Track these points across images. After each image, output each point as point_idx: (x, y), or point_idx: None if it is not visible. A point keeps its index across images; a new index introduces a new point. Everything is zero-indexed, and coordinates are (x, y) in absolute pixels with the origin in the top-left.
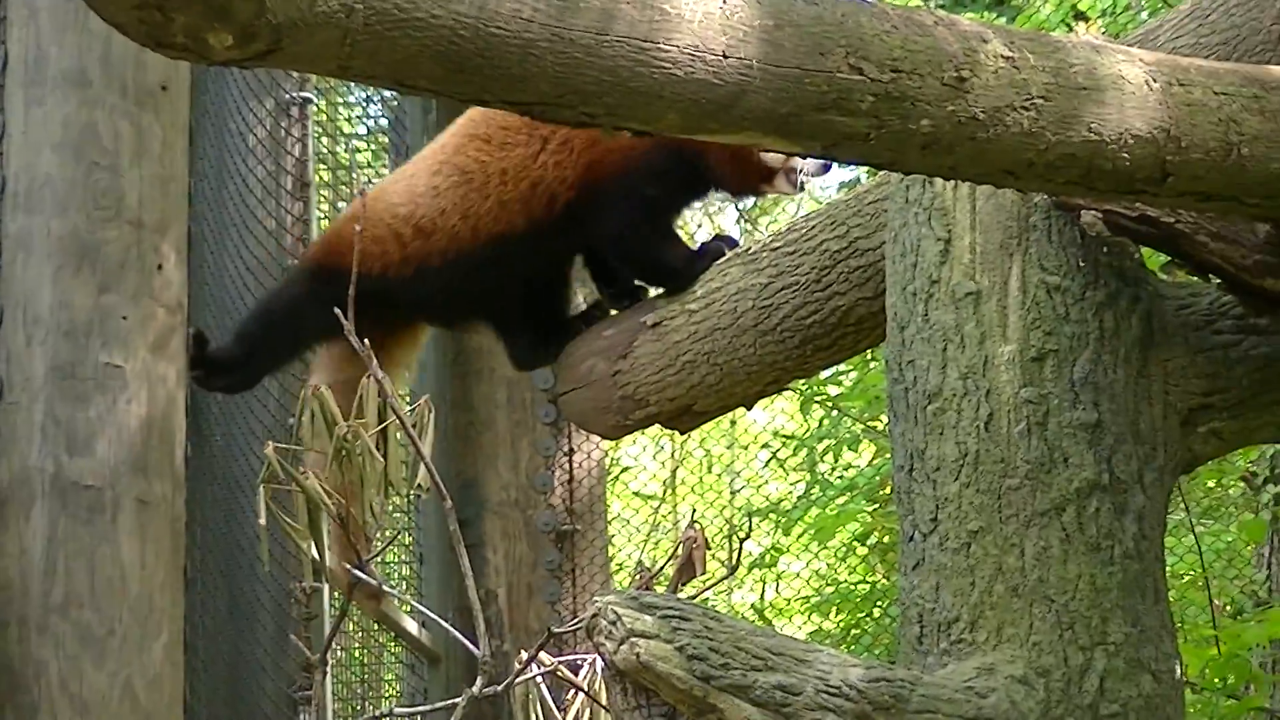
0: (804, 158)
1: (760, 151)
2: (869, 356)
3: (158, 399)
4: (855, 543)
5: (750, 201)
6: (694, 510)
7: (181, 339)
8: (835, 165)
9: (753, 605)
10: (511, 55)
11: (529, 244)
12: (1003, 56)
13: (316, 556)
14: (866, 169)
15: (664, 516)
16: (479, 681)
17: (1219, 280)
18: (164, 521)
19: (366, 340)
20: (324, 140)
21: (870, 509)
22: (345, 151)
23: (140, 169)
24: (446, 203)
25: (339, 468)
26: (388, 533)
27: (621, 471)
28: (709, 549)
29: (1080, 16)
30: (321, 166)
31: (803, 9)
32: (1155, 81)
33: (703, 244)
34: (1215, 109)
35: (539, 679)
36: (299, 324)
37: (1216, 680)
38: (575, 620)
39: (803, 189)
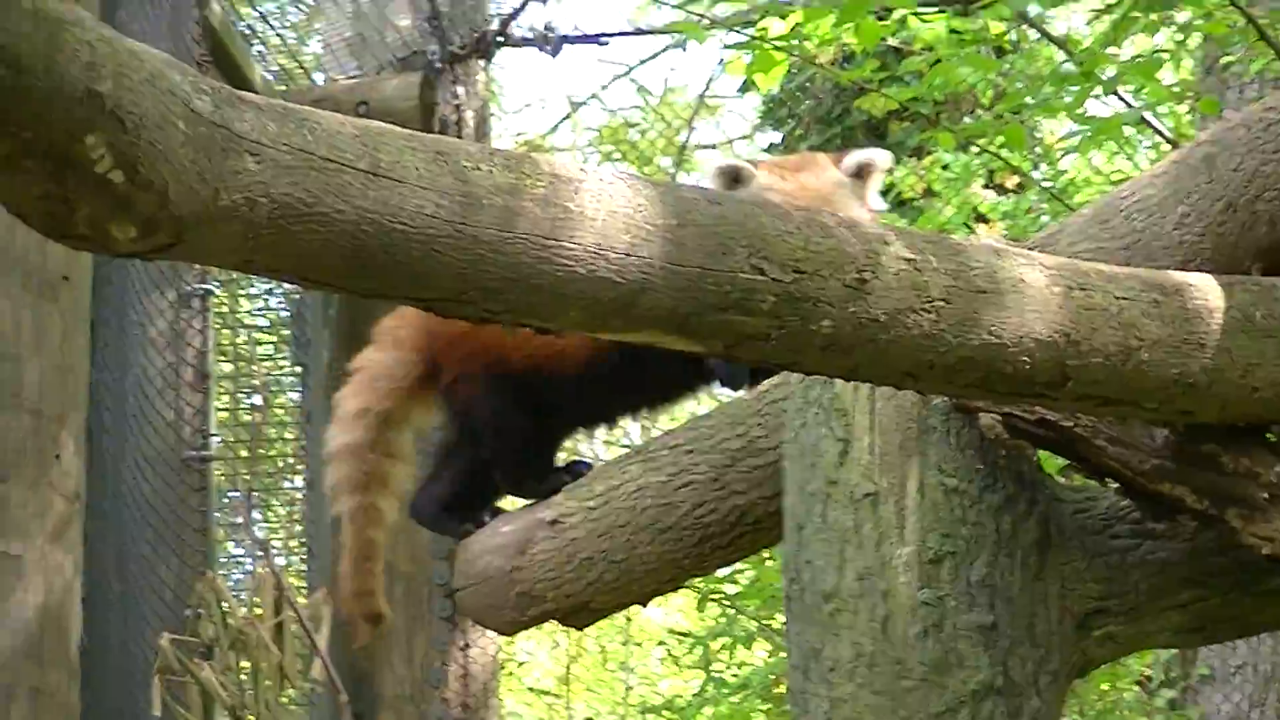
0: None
1: None
2: (766, 555)
3: (54, 588)
4: None
5: None
6: (588, 708)
7: (78, 529)
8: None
9: None
10: (415, 252)
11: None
12: (904, 259)
13: None
14: None
15: (558, 712)
16: None
17: (1116, 485)
18: (58, 712)
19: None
20: (224, 332)
21: (765, 708)
22: (245, 343)
23: (40, 358)
24: None
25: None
26: None
27: (517, 666)
28: None
29: (981, 219)
30: (221, 358)
31: (706, 208)
32: (1056, 285)
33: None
34: (1115, 314)
35: None
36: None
37: None
38: None
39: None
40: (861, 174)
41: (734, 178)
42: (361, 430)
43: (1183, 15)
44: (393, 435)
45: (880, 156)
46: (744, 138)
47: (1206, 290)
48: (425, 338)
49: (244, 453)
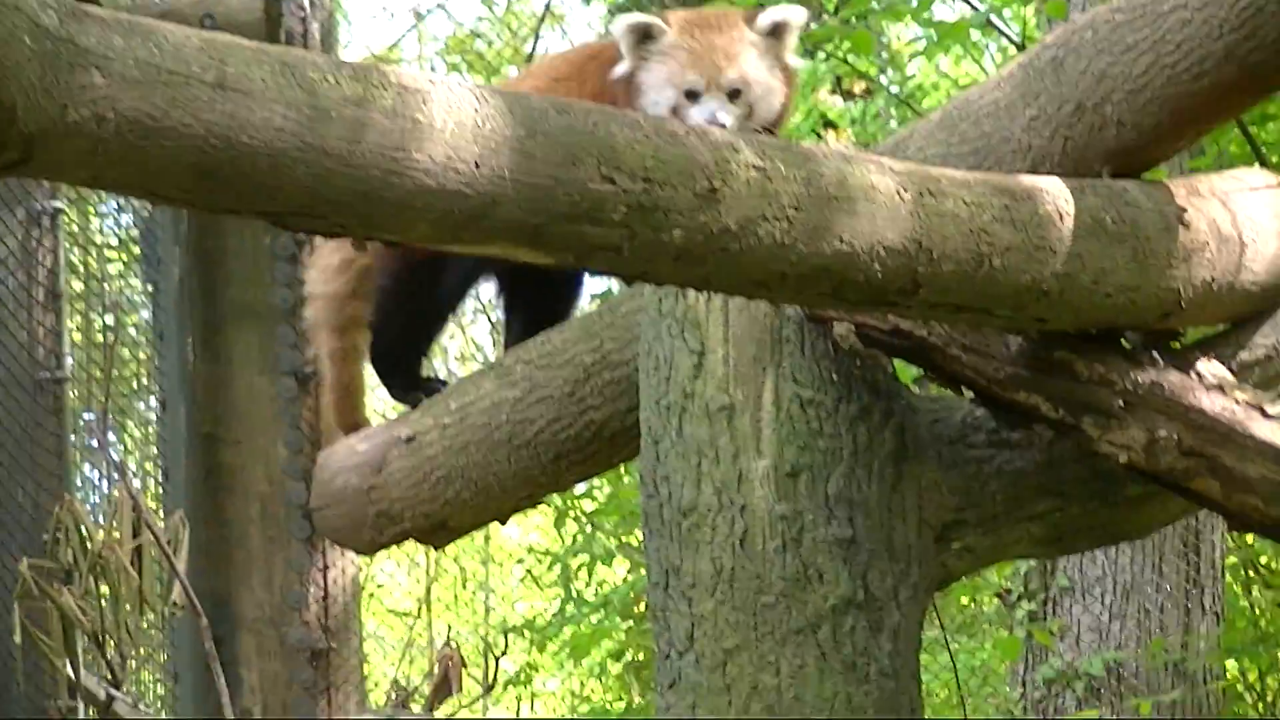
0: None
1: (640, 111)
2: (623, 471)
3: None
4: (610, 660)
5: (501, 314)
6: (449, 628)
7: None
8: (724, 119)
9: None
10: (262, 166)
11: None
12: (754, 166)
13: (72, 675)
14: None
15: (419, 634)
16: None
17: (972, 394)
18: None
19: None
20: (75, 250)
21: (625, 626)
22: (96, 262)
23: None
24: None
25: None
26: (143, 650)
27: (377, 588)
28: (464, 667)
29: (829, 125)
30: (73, 277)
31: (555, 119)
32: (906, 191)
33: None
34: (966, 219)
35: None
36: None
37: None
38: None
39: None
40: (776, 33)
41: (644, 34)
42: (343, 281)
43: None
44: (368, 284)
45: (795, 14)
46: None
47: (1057, 194)
48: None
49: (98, 373)
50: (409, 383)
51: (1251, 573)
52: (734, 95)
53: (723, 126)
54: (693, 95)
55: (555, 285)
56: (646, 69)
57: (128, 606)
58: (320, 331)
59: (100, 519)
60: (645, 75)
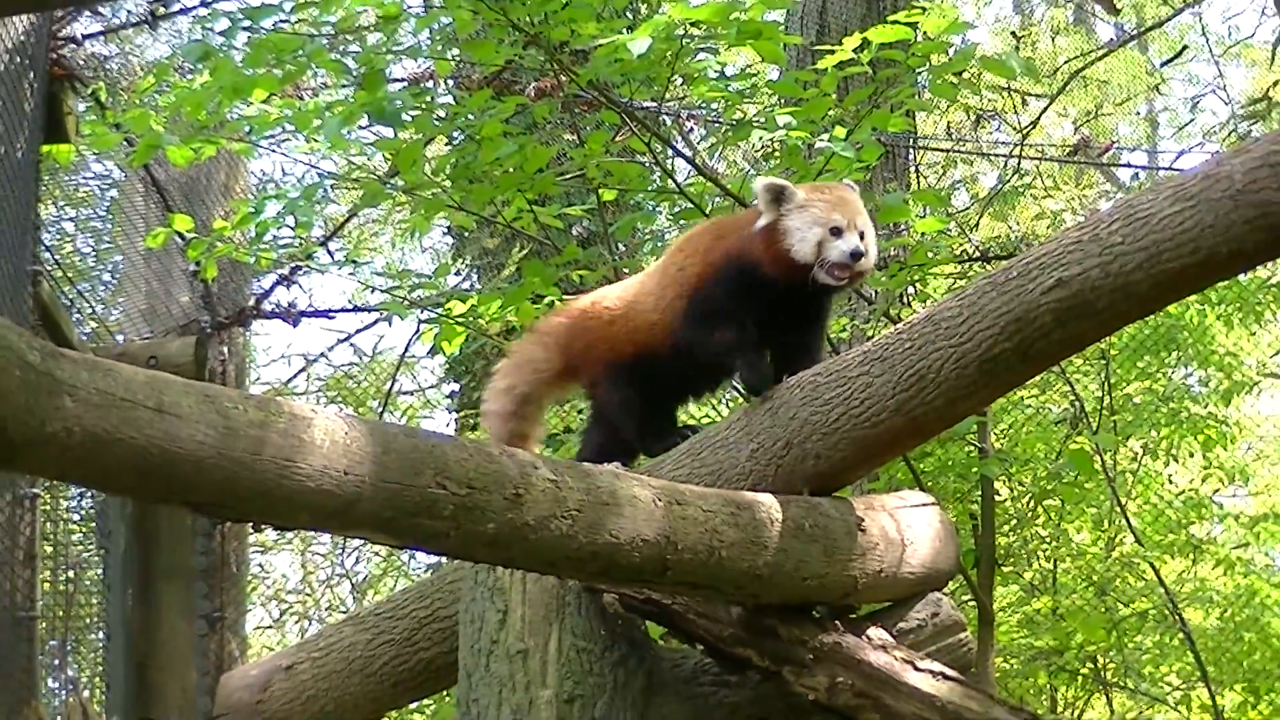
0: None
1: (789, 252)
2: (446, 694)
3: None
4: None
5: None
6: None
7: None
8: (858, 250)
9: None
10: (188, 469)
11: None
12: (549, 479)
13: None
14: None
15: None
16: None
17: (702, 647)
18: None
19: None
20: (47, 525)
21: None
22: (62, 532)
23: None
24: (662, 296)
25: None
26: None
27: None
28: None
29: None
30: (45, 543)
31: (404, 440)
32: (660, 500)
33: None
34: (703, 522)
35: None
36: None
37: None
38: None
39: (846, 283)
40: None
41: (778, 195)
42: (506, 401)
43: None
44: (530, 409)
45: None
46: (432, 387)
47: (770, 506)
48: (566, 344)
49: (60, 613)
50: (660, 435)
51: None
52: (861, 236)
53: (863, 255)
54: (836, 232)
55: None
56: (789, 217)
57: None
58: (494, 440)
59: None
60: (789, 222)
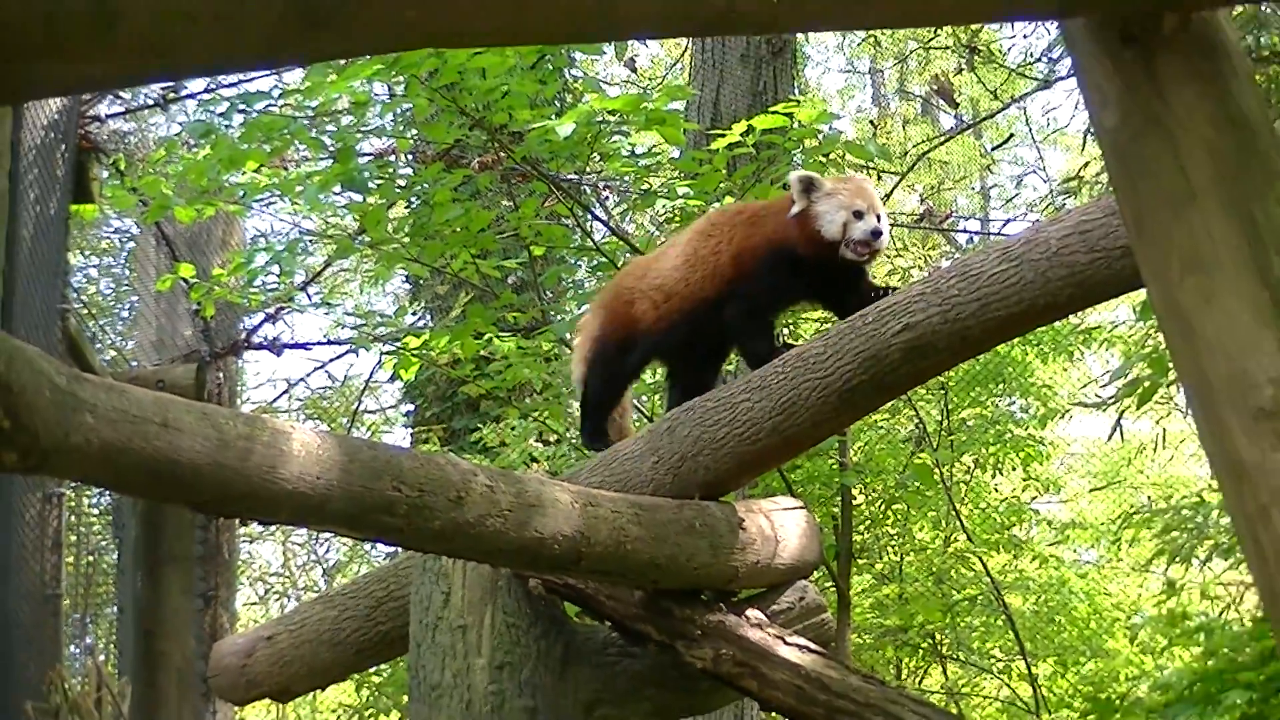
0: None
1: (819, 232)
2: (399, 660)
3: None
4: None
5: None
6: None
7: None
8: (877, 230)
9: None
10: (188, 474)
11: (711, 311)
12: (486, 484)
13: None
14: None
15: None
16: None
17: (610, 624)
18: None
19: None
20: (71, 518)
21: None
22: (84, 524)
23: None
24: (680, 275)
25: None
26: None
27: None
28: None
29: (534, 460)
30: (70, 533)
31: (367, 452)
32: (576, 503)
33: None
34: (612, 520)
35: None
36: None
37: None
38: None
39: (868, 258)
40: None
41: (809, 185)
42: (586, 350)
43: None
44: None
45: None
46: (392, 407)
47: (668, 508)
48: (608, 312)
49: (82, 591)
50: (596, 436)
51: None
52: (878, 218)
53: (881, 234)
54: (858, 215)
55: (704, 366)
56: (819, 203)
57: None
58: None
59: (79, 680)
60: (818, 207)
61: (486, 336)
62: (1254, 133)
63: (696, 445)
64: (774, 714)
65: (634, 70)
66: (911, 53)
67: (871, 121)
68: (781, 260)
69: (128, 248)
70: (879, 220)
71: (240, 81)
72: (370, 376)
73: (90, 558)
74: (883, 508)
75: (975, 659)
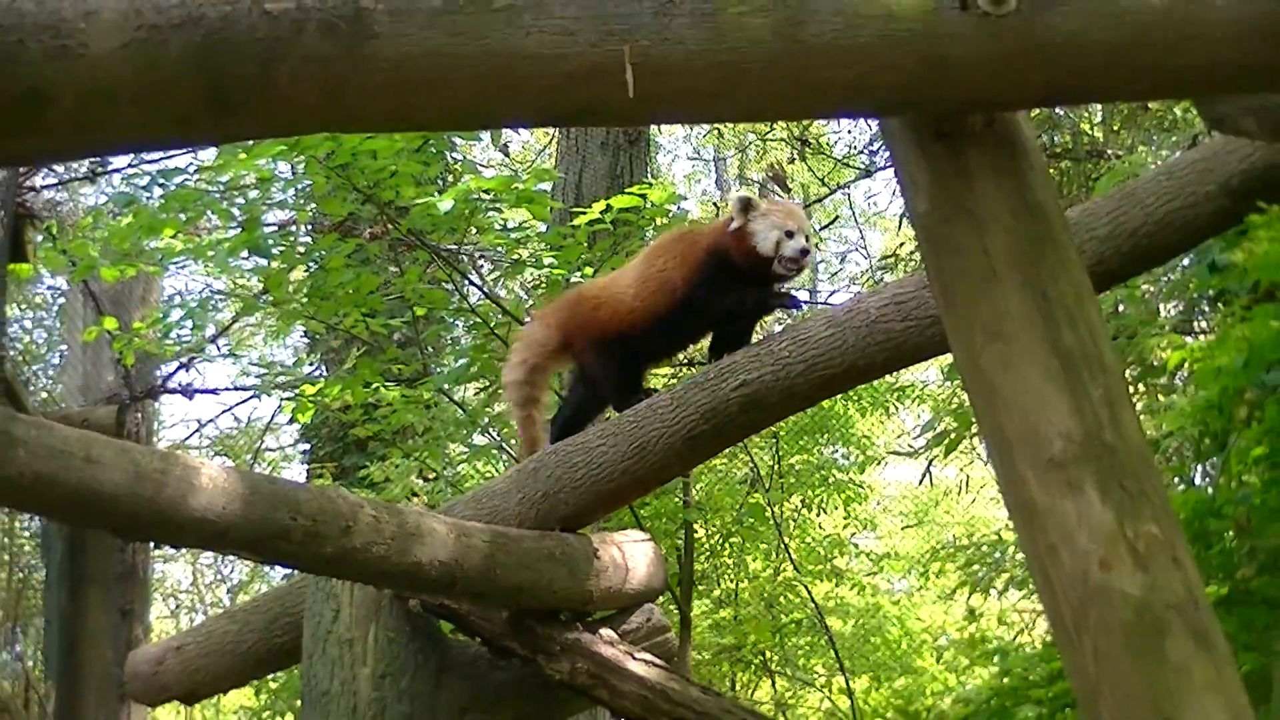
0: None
1: (755, 247)
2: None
3: None
4: None
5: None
6: None
7: None
8: (806, 249)
9: None
10: (107, 502)
11: (668, 320)
12: (373, 515)
13: None
14: None
15: None
16: None
17: (480, 639)
18: None
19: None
20: (5, 539)
21: None
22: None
23: None
24: (642, 289)
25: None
26: None
27: None
28: None
29: (415, 494)
30: (3, 552)
31: (267, 486)
32: (452, 533)
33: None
34: (483, 549)
35: None
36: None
37: None
38: None
39: (796, 272)
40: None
41: (747, 204)
42: (520, 371)
43: None
44: (538, 376)
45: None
46: (290, 446)
47: (532, 538)
48: (561, 323)
49: (14, 604)
50: (630, 399)
51: None
52: (806, 239)
53: (809, 252)
54: (790, 234)
55: (587, 406)
56: (755, 222)
57: None
58: (514, 406)
59: (8, 684)
60: (755, 226)
61: (374, 386)
62: (1048, 220)
63: (558, 484)
64: None
65: (507, 154)
66: (750, 144)
67: (714, 203)
68: (719, 266)
69: (59, 303)
70: (807, 240)
71: (161, 159)
72: (271, 419)
73: (21, 575)
74: (721, 541)
75: (801, 674)
